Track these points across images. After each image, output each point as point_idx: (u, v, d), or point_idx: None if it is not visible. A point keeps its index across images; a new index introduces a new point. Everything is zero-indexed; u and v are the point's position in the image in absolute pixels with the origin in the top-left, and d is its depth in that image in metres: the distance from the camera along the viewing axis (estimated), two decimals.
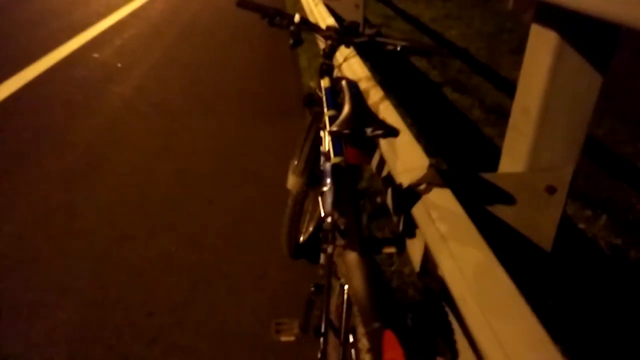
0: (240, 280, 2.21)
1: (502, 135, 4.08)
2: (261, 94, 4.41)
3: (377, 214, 2.62)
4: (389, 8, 9.32)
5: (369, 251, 1.30)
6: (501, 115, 4.57)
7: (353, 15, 5.00)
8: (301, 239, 2.30)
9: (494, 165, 3.55)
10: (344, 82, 1.45)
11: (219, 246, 2.41)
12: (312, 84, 4.62)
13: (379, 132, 1.10)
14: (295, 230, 2.16)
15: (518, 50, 6.80)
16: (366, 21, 5.83)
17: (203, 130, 3.63)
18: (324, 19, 3.95)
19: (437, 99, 4.88)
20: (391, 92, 4.61)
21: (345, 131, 1.12)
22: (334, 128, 1.13)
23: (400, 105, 4.29)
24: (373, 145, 2.06)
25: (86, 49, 5.54)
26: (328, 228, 1.50)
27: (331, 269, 1.47)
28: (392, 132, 1.11)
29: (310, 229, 2.35)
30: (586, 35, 1.31)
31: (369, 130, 1.10)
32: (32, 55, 5.14)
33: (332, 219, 1.48)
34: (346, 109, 1.24)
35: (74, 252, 2.34)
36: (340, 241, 1.42)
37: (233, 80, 4.75)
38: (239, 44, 5.92)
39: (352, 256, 1.21)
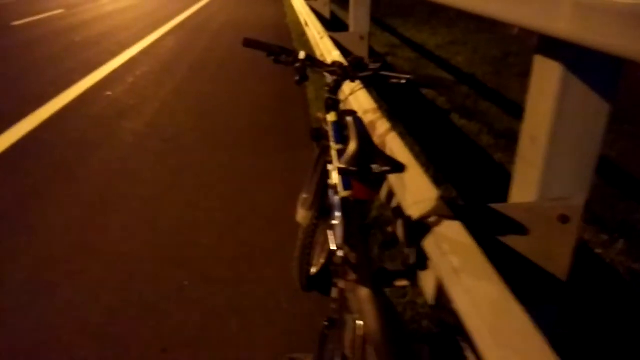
0: (253, 314, 2.19)
1: (513, 161, 4.09)
2: (270, 126, 4.46)
3: (388, 244, 2.60)
4: (394, 37, 9.45)
5: (380, 285, 1.29)
6: (510, 140, 4.56)
7: (358, 47, 5.07)
8: (312, 270, 2.29)
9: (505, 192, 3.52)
10: (349, 118, 1.47)
11: (230, 280, 2.40)
12: (320, 115, 4.67)
13: (386, 168, 1.11)
14: (306, 263, 2.15)
15: (525, 73, 6.81)
16: (372, 52, 5.90)
17: (213, 164, 3.67)
18: (329, 52, 4.01)
19: (445, 125, 4.90)
20: (398, 120, 4.64)
21: (352, 168, 1.13)
22: (341, 165, 1.13)
23: (408, 134, 4.31)
24: (380, 179, 2.06)
25: (99, 88, 5.66)
26: (339, 262, 1.49)
27: (344, 303, 1.45)
28: (398, 168, 1.12)
29: (322, 260, 2.34)
30: (590, 65, 1.32)
31: (375, 167, 1.11)
32: (46, 94, 5.27)
33: (343, 253, 1.47)
34: (352, 145, 1.25)
35: (89, 288, 2.34)
36: (351, 275, 1.41)
37: (242, 113, 4.82)
38: (246, 79, 6.01)
39: (364, 292, 1.20)
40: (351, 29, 5.30)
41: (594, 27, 1.04)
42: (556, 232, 1.52)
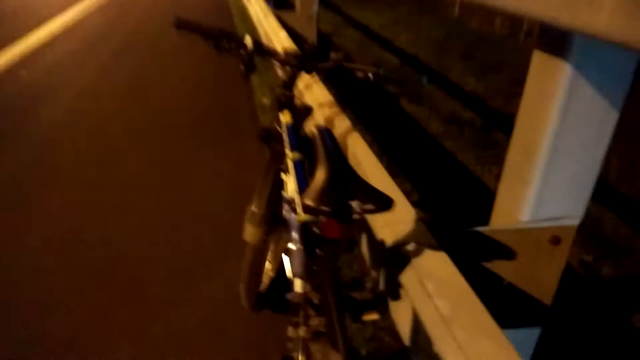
0: (195, 341, 1.89)
1: (464, 149, 3.98)
2: (210, 114, 4.06)
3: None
4: (338, 16, 9.18)
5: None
6: (459, 125, 4.46)
7: (306, 27, 4.73)
8: (262, 288, 2.01)
9: (461, 185, 3.37)
10: (315, 130, 1.18)
11: (167, 298, 2.08)
12: (265, 101, 4.34)
13: (370, 207, 0.85)
14: (256, 284, 1.87)
15: (466, 56, 6.80)
16: (320, 33, 5.58)
17: (144, 158, 3.26)
18: (276, 33, 3.68)
19: (396, 111, 4.72)
20: (347, 107, 4.40)
21: (324, 208, 0.85)
22: (308, 202, 0.86)
23: (359, 122, 4.08)
24: None
25: (13, 67, 5.02)
26: (299, 300, 1.23)
27: (307, 353, 1.21)
28: (385, 205, 0.86)
29: (271, 274, 2.07)
30: (602, 65, 1.11)
31: (355, 205, 0.84)
32: None
33: (303, 290, 1.22)
34: (321, 173, 0.96)
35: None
36: (314, 320, 1.16)
37: (177, 99, 4.38)
38: (181, 59, 5.52)
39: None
40: (298, 7, 4.92)
41: None
42: (545, 254, 1.34)
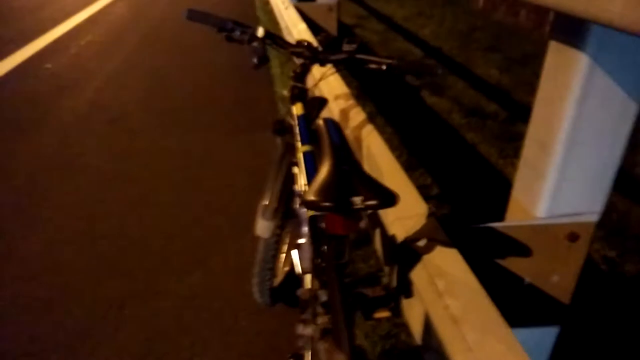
0: (206, 336, 1.90)
1: (486, 141, 3.90)
2: (230, 104, 4.08)
3: (359, 242, 2.35)
4: (361, 8, 9.10)
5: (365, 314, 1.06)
6: (481, 118, 4.38)
7: (326, 19, 4.68)
8: (275, 282, 2.00)
9: (482, 179, 3.30)
10: (321, 122, 1.16)
11: (181, 292, 2.10)
12: (285, 93, 4.33)
13: (372, 203, 0.82)
14: (269, 278, 1.86)
15: (490, 48, 6.66)
16: (341, 25, 5.51)
17: (165, 149, 3.29)
18: (295, 25, 3.65)
19: (416, 103, 4.65)
20: (366, 97, 4.35)
21: (325, 204, 0.83)
22: (311, 197, 0.84)
23: (380, 114, 4.04)
24: None
25: (38, 59, 5.12)
26: (307, 297, 1.22)
27: (314, 352, 1.20)
28: (388, 201, 0.83)
29: (285, 269, 2.06)
30: (620, 56, 1.06)
31: (358, 201, 0.82)
32: None
33: (312, 288, 1.20)
34: (325, 168, 0.94)
35: (14, 304, 2.00)
36: (322, 318, 1.14)
37: (199, 90, 4.40)
38: (204, 50, 5.55)
39: None
40: None
41: None
42: (563, 251, 1.29)
